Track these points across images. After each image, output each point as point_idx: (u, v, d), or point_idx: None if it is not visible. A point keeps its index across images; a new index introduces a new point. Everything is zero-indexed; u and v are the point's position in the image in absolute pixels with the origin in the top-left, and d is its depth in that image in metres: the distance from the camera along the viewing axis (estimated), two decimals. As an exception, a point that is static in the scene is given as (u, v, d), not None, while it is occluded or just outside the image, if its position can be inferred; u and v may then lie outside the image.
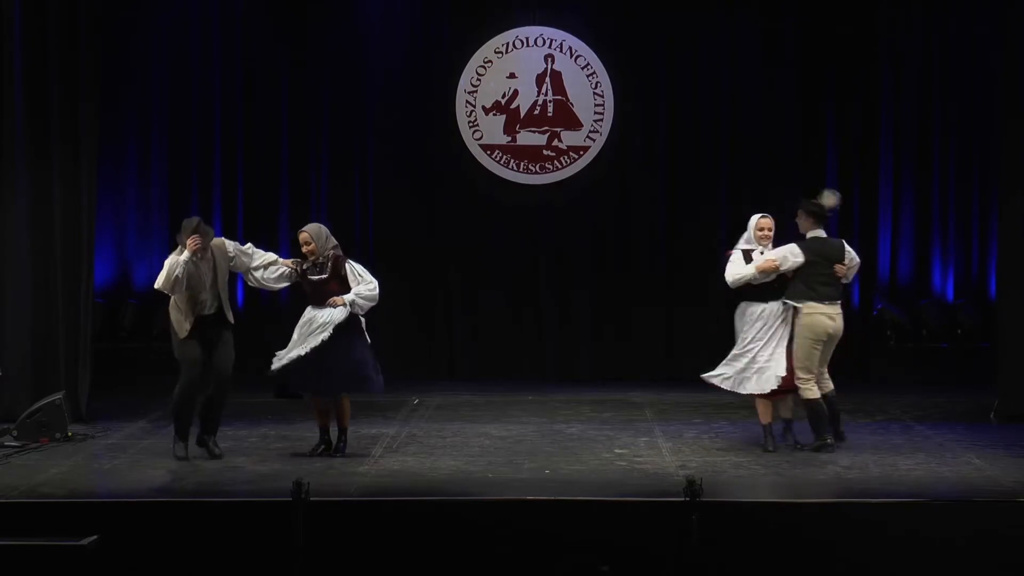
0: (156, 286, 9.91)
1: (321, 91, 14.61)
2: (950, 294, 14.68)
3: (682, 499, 8.11)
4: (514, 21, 14.64)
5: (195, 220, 9.97)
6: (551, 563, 8.03)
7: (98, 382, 12.11)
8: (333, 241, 10.13)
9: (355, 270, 10.08)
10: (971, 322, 14.36)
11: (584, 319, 14.66)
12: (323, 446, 10.18)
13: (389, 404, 12.13)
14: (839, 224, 14.28)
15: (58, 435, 10.80)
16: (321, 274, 10.04)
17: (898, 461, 9.96)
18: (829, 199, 10.53)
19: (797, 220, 10.44)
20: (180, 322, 9.86)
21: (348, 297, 9.98)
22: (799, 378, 10.14)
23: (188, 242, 9.78)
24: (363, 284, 10.03)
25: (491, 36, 14.61)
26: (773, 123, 14.54)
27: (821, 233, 10.35)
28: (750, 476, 9.52)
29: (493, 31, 14.61)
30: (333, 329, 9.88)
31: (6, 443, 10.63)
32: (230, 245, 10.11)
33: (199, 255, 9.83)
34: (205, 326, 9.89)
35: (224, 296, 9.96)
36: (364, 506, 8.66)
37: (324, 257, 10.05)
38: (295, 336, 10.04)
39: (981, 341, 14.03)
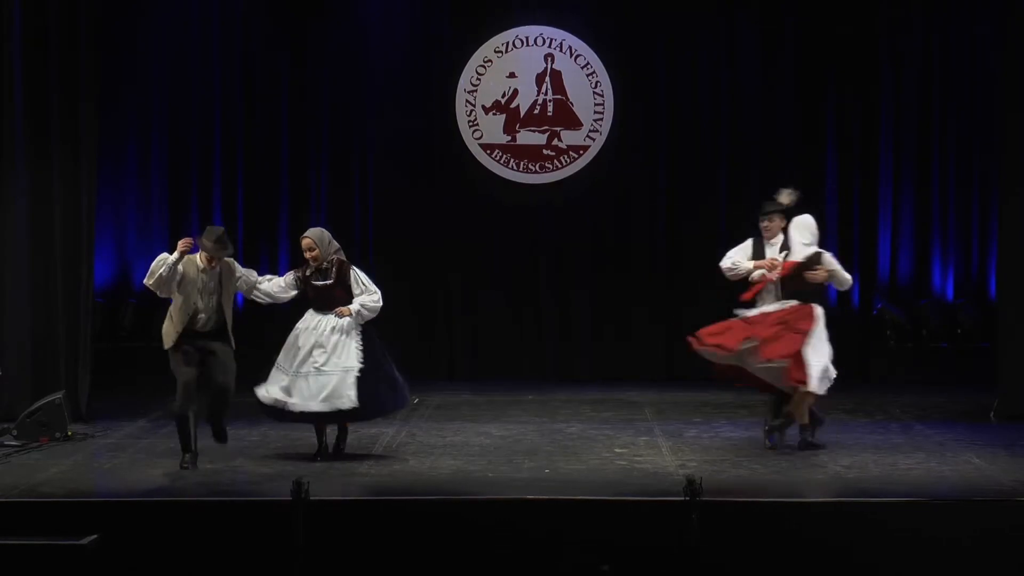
0: (144, 282, 9.83)
1: (321, 91, 14.60)
2: (950, 294, 14.67)
3: (682, 499, 8.12)
4: (514, 21, 14.63)
5: (220, 229, 9.86)
6: (551, 563, 8.05)
7: (98, 382, 12.10)
8: (336, 245, 10.08)
9: (359, 278, 10.03)
10: (971, 322, 14.35)
11: (584, 319, 14.65)
12: (323, 446, 10.14)
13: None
14: (839, 224, 14.35)
15: (58, 435, 10.81)
16: (325, 279, 10.00)
17: (898, 461, 9.97)
18: (786, 197, 10.52)
19: (770, 223, 10.42)
20: (168, 333, 9.69)
21: (353, 307, 9.94)
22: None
23: (179, 244, 9.69)
24: (367, 295, 9.98)
25: (491, 36, 14.60)
26: (773, 123, 14.52)
27: None
28: (750, 476, 9.51)
29: (493, 31, 14.61)
30: (356, 340, 9.88)
31: (6, 443, 10.63)
32: (238, 266, 10.03)
33: (211, 264, 9.69)
34: (200, 343, 9.69)
35: (228, 317, 9.78)
36: (364, 506, 8.66)
37: (328, 262, 10.01)
38: (297, 328, 9.98)
39: (981, 341, 14.01)
